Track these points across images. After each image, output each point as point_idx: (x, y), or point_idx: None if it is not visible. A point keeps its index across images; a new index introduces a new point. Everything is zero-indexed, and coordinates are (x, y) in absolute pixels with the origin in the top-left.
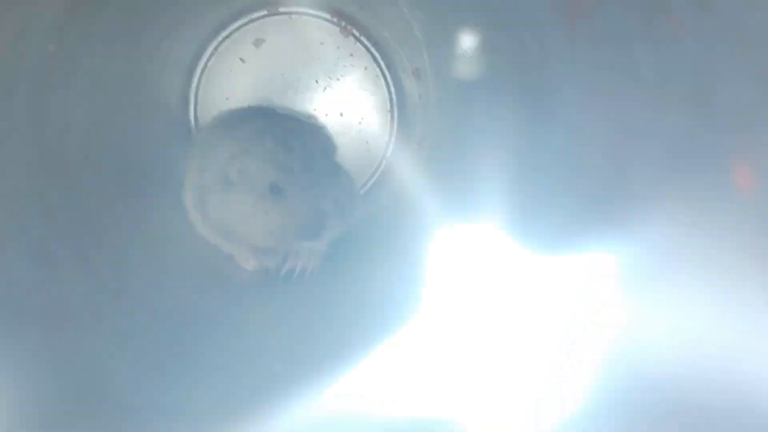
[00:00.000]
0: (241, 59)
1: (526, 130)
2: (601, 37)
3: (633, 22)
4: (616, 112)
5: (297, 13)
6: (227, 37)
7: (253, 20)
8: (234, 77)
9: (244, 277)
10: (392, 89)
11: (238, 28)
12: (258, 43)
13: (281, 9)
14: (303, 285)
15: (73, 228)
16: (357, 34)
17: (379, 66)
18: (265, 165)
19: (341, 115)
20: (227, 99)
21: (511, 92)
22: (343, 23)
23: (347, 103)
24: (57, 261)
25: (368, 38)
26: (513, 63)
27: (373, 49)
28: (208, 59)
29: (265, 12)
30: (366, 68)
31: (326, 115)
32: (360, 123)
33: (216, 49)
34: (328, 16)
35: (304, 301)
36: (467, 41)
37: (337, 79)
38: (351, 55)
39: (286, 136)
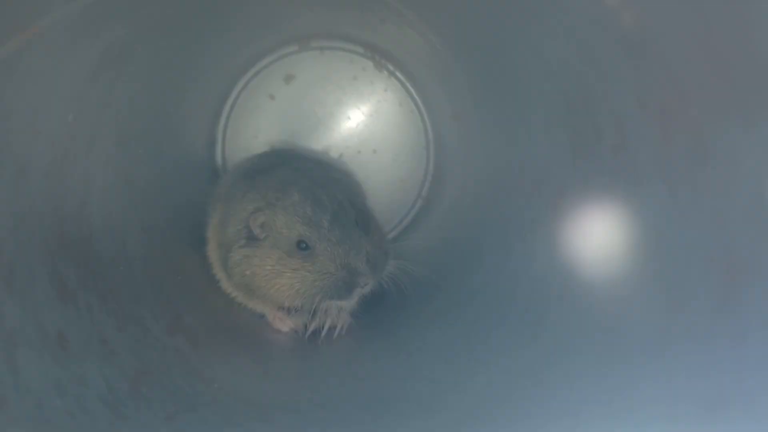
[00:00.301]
0: (271, 96)
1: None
2: (711, 158)
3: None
4: (727, 247)
5: (329, 47)
6: (257, 73)
7: (283, 56)
8: (263, 115)
9: (277, 339)
10: (428, 126)
11: (268, 65)
12: (288, 79)
13: (313, 44)
14: (336, 351)
15: (90, 308)
16: (391, 68)
17: (414, 101)
18: (291, 219)
19: (374, 152)
20: (255, 137)
21: (579, 166)
22: (377, 57)
23: (381, 139)
24: (72, 348)
25: (403, 72)
26: (579, 138)
27: (408, 84)
28: (237, 97)
29: (296, 47)
30: (401, 104)
31: (359, 152)
32: (394, 160)
33: (245, 86)
34: (361, 50)
35: (338, 369)
36: (522, 101)
37: (371, 115)
38: (385, 90)
39: (313, 187)
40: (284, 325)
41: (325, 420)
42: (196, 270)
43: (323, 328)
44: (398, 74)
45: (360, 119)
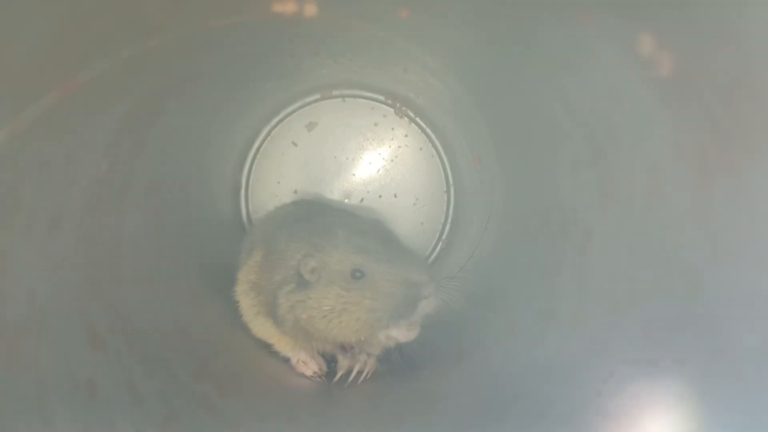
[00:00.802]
0: (294, 143)
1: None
2: (751, 203)
3: None
4: None
5: (351, 96)
6: (280, 121)
7: (306, 104)
8: (286, 161)
9: (301, 384)
10: (449, 170)
11: (291, 113)
12: (311, 126)
13: (335, 92)
14: (361, 396)
15: (119, 354)
16: (412, 114)
17: (435, 147)
18: (342, 253)
19: (395, 196)
20: (279, 183)
21: (609, 209)
22: (398, 104)
23: (401, 184)
24: (102, 395)
25: (424, 118)
26: (609, 182)
27: (429, 130)
28: (261, 144)
29: (319, 96)
30: (421, 149)
31: (380, 196)
32: (415, 204)
33: (269, 134)
34: (382, 98)
35: (363, 414)
36: (546, 145)
37: (391, 161)
38: (406, 135)
39: (353, 223)
40: (308, 369)
41: None
42: (222, 316)
43: (350, 372)
44: (419, 120)
45: (381, 164)
